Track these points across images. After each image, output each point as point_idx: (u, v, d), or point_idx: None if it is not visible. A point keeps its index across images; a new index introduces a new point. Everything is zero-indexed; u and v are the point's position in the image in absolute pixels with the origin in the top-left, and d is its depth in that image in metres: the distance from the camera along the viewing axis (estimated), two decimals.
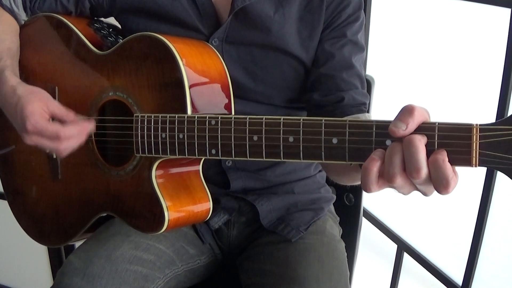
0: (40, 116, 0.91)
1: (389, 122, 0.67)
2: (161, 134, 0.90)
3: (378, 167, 0.67)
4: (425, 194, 0.68)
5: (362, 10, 1.06)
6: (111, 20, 1.16)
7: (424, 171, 0.64)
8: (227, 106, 0.97)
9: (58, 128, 0.91)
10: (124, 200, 0.99)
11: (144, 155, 0.93)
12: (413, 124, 0.65)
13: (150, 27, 1.05)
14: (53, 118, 0.94)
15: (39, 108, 0.92)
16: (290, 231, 1.09)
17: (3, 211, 1.28)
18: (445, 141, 0.64)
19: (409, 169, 0.64)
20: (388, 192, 0.73)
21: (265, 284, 1.02)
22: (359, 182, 0.96)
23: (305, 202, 1.16)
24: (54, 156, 1.08)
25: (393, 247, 1.73)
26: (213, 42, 1.03)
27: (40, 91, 0.96)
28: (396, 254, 1.72)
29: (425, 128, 0.65)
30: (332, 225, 1.19)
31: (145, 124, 0.91)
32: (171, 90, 0.91)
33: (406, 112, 0.65)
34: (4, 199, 1.22)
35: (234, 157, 0.81)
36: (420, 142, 0.64)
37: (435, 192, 0.66)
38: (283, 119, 0.75)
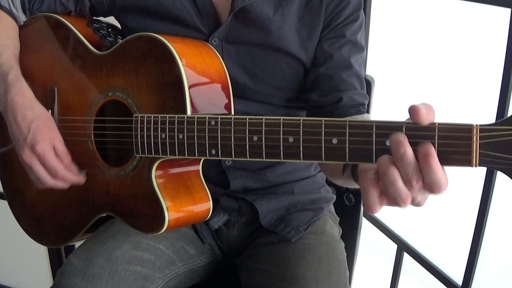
0: (50, 146, 0.97)
1: (389, 122, 0.67)
2: (160, 135, 0.89)
3: (377, 186, 0.66)
4: (418, 204, 0.67)
5: (362, 10, 1.05)
6: (111, 20, 1.16)
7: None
8: (227, 106, 0.97)
9: (61, 168, 0.98)
10: (124, 200, 0.99)
11: (144, 155, 0.93)
12: (430, 115, 0.63)
13: (150, 26, 1.05)
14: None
15: (50, 137, 0.97)
16: (289, 231, 1.09)
17: (3, 211, 1.28)
18: (445, 141, 0.64)
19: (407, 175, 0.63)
20: None
21: (265, 284, 1.01)
22: (352, 186, 0.96)
23: (304, 202, 1.16)
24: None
25: (393, 247, 1.73)
26: (213, 41, 1.03)
27: (52, 119, 1.02)
28: (396, 254, 1.73)
29: (425, 129, 0.65)
30: (332, 225, 1.19)
31: (145, 124, 0.91)
32: (171, 90, 0.91)
33: (428, 105, 0.64)
34: (4, 199, 1.22)
35: (234, 157, 0.81)
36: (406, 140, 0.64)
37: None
38: (283, 119, 0.75)
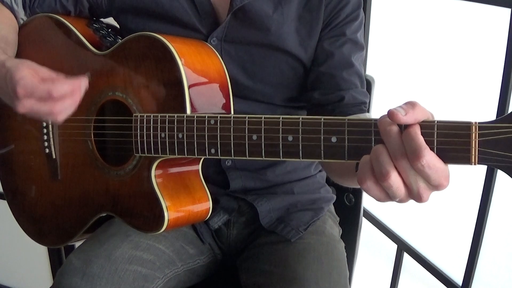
0: (30, 79, 0.85)
1: None
2: (160, 134, 0.89)
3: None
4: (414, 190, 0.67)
5: (361, 9, 1.06)
6: (110, 21, 1.16)
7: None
8: (226, 106, 0.97)
9: (50, 86, 0.84)
10: (124, 200, 0.99)
11: (144, 155, 0.93)
12: (412, 115, 0.64)
13: (149, 27, 1.05)
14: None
15: (28, 73, 0.86)
16: (289, 231, 1.09)
17: (3, 211, 1.28)
18: (444, 139, 0.64)
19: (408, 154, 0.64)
20: None
21: (265, 284, 1.01)
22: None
23: (304, 202, 1.16)
24: (54, 157, 1.08)
25: (393, 247, 1.73)
26: (211, 41, 1.03)
27: (29, 61, 0.90)
28: (396, 254, 1.73)
29: (424, 127, 0.65)
30: (331, 225, 1.19)
31: (144, 124, 0.91)
32: (170, 90, 0.91)
33: (409, 103, 0.66)
34: (4, 199, 1.22)
35: (234, 156, 0.81)
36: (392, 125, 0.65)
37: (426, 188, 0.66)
38: (282, 118, 0.75)
